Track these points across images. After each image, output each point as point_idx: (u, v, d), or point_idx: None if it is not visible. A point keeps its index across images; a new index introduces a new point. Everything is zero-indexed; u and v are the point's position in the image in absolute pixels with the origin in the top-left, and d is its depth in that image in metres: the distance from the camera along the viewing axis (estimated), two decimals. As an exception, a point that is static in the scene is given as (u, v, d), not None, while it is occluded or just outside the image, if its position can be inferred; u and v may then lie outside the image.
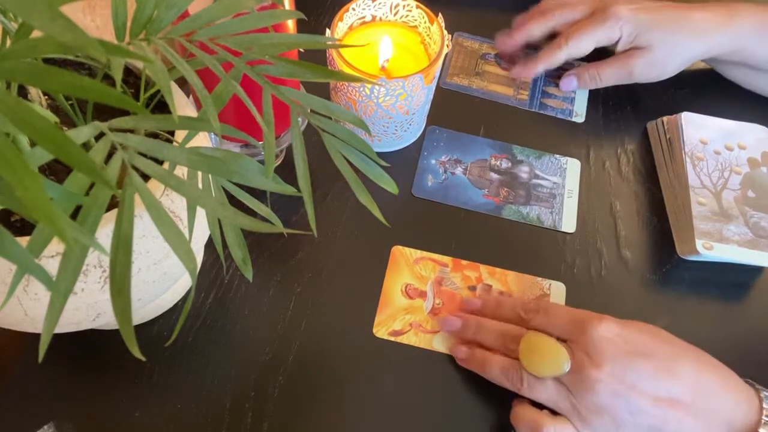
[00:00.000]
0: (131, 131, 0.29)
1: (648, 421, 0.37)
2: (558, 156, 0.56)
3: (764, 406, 0.38)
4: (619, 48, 0.57)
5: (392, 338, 0.45)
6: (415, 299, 0.47)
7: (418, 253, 0.49)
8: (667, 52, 0.56)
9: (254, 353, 0.44)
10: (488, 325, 0.44)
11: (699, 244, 0.48)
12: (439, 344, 0.45)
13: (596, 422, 0.38)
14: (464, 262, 0.49)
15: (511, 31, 0.60)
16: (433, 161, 0.55)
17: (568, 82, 0.60)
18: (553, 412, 0.40)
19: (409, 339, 0.45)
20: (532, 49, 0.62)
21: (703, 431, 0.37)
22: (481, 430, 0.42)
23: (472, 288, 0.48)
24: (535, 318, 0.42)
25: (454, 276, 0.49)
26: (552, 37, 0.59)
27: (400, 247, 0.50)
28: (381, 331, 0.46)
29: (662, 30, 0.55)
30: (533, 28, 0.59)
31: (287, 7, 0.41)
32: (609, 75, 0.58)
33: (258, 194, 0.31)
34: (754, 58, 0.56)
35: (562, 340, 0.40)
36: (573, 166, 0.55)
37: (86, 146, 0.29)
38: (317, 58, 0.59)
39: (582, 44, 0.57)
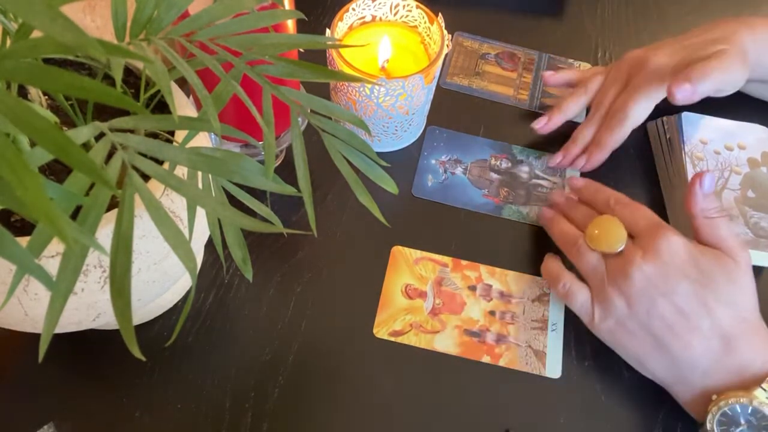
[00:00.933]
0: (131, 131, 0.29)
1: (658, 329, 0.40)
2: (558, 156, 0.56)
3: None
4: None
5: (392, 338, 0.45)
6: (415, 299, 0.47)
7: (418, 254, 0.49)
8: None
9: (254, 353, 0.44)
10: (581, 207, 0.48)
11: (699, 244, 0.48)
12: (439, 344, 0.45)
13: (612, 301, 0.41)
14: (464, 262, 0.49)
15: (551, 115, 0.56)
16: (433, 161, 0.55)
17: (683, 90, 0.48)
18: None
19: (410, 339, 0.45)
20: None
21: (710, 366, 0.39)
22: (480, 429, 0.42)
23: (472, 288, 0.48)
24: (619, 209, 0.44)
25: (454, 276, 0.49)
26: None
27: (400, 247, 0.50)
28: (381, 331, 0.45)
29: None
30: (571, 107, 0.56)
31: (287, 7, 0.41)
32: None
33: (258, 194, 0.31)
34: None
35: (630, 236, 0.43)
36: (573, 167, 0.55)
37: (86, 146, 0.29)
38: (317, 58, 0.59)
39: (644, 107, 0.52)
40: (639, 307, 0.40)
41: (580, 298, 0.43)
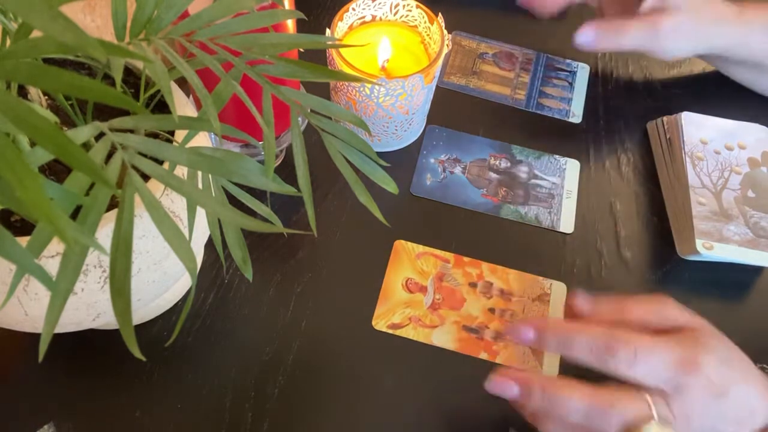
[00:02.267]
0: (131, 131, 0.29)
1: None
2: (557, 156, 0.56)
3: None
4: (644, 8, 0.54)
5: (391, 331, 0.45)
6: (416, 293, 0.47)
7: (420, 248, 0.49)
8: (693, 20, 0.53)
9: (254, 353, 0.44)
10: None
11: (699, 244, 0.48)
12: (437, 339, 0.45)
13: (700, 400, 0.36)
14: (466, 259, 0.49)
15: None
16: (432, 160, 0.55)
17: (586, 34, 0.53)
18: None
19: (408, 333, 0.45)
20: None
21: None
22: (478, 425, 0.42)
23: (473, 285, 0.48)
24: (623, 364, 0.35)
25: (455, 272, 0.49)
26: None
27: (402, 241, 0.50)
28: (380, 323, 0.46)
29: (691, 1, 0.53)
30: None
31: (287, 7, 0.41)
32: (633, 34, 0.53)
33: (258, 194, 0.31)
34: (760, 54, 0.56)
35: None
36: (572, 167, 0.56)
37: (86, 146, 0.29)
38: (317, 58, 0.59)
39: None
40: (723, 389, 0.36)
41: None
